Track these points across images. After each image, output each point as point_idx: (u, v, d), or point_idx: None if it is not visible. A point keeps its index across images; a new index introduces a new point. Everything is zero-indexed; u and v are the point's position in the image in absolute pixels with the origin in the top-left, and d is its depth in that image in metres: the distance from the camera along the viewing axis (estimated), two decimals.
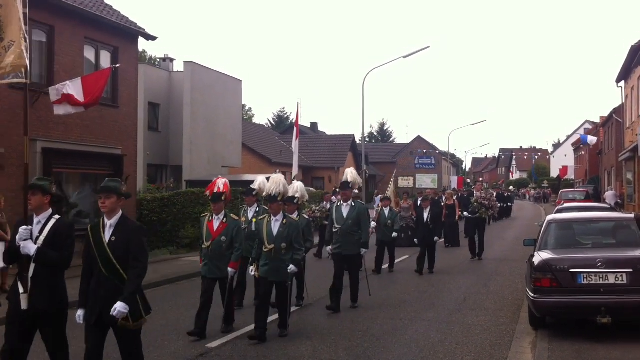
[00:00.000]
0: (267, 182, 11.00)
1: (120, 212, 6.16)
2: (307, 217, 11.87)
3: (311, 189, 39.63)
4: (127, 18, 19.65)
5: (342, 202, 11.64)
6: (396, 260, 17.29)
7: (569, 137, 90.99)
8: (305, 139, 49.75)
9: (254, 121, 77.68)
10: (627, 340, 8.52)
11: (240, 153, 35.31)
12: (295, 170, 24.03)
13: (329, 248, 11.72)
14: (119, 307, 5.71)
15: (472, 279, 15.15)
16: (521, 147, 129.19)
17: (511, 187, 73.94)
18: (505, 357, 8.24)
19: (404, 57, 30.73)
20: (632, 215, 11.14)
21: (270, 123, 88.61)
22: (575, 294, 8.66)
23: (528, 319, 9.73)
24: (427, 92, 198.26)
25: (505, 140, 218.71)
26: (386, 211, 16.83)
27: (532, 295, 8.97)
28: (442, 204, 21.79)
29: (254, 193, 11.77)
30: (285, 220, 9.32)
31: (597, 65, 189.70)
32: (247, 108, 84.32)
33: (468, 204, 19.94)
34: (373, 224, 16.33)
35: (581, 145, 51.61)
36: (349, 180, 11.64)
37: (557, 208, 21.06)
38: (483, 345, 8.80)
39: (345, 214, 11.42)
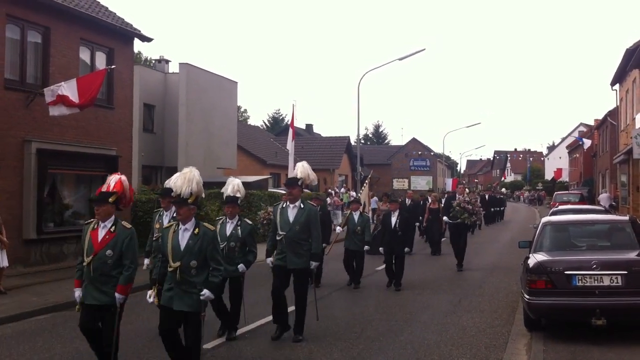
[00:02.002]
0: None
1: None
2: (250, 222, 9.69)
3: (306, 190, 39.61)
4: (123, 19, 19.63)
5: (287, 204, 9.37)
6: (378, 268, 16.14)
7: (563, 139, 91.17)
8: (300, 141, 49.73)
9: (249, 123, 77.66)
10: (621, 342, 8.54)
11: (236, 154, 35.28)
12: (290, 172, 24.08)
13: (269, 260, 9.57)
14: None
15: (459, 289, 14.36)
16: (516, 149, 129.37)
17: (503, 190, 73.57)
18: (500, 359, 8.26)
19: (400, 59, 30.81)
20: (626, 218, 11.19)
21: (266, 125, 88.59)
22: (570, 296, 8.68)
23: (523, 321, 9.75)
24: (423, 94, 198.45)
25: (500, 143, 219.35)
26: (355, 216, 14.60)
27: (527, 297, 8.99)
28: (427, 206, 21.44)
29: (172, 193, 9.16)
30: (197, 230, 7.03)
31: (592, 68, 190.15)
32: (242, 109, 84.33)
33: (449, 208, 17.38)
34: (338, 228, 15.57)
35: (580, 143, 51.69)
36: (299, 175, 9.62)
37: (551, 210, 21.12)
38: (478, 347, 8.81)
39: (291, 218, 9.21)
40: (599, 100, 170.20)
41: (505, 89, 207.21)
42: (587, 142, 46.25)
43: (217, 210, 19.92)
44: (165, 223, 9.19)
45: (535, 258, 9.27)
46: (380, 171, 70.74)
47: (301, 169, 9.71)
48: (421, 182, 71.68)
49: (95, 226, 7.26)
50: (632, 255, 9.13)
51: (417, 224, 21.72)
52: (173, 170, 29.87)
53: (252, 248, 9.49)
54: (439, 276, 15.83)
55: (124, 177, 7.83)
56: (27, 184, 15.92)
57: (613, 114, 40.63)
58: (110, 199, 7.32)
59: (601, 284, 8.59)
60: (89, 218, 18.79)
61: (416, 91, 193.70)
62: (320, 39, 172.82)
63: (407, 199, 23.09)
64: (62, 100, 15.00)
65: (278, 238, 9.26)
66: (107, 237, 7.16)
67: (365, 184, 20.11)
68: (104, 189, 7.61)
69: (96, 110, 17.97)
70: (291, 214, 9.23)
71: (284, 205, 9.38)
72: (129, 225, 7.37)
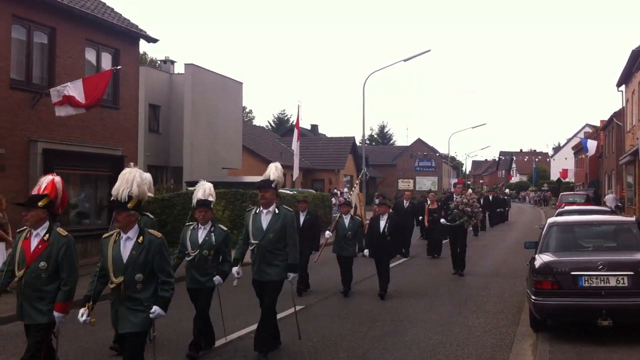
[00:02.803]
0: (148, 177, 8.42)
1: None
2: (224, 228, 8.86)
3: (311, 190, 39.65)
4: (129, 20, 19.69)
5: (260, 209, 8.46)
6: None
7: (569, 140, 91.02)
8: (305, 141, 49.76)
9: (254, 123, 77.72)
10: (627, 343, 8.53)
11: (241, 155, 35.33)
12: (295, 172, 24.10)
13: (235, 270, 8.54)
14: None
15: (464, 290, 14.57)
16: (521, 150, 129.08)
17: (507, 190, 72.63)
18: (506, 359, 8.25)
19: (405, 60, 30.77)
20: (633, 219, 11.18)
21: (271, 125, 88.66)
22: (576, 297, 8.67)
23: (529, 321, 9.73)
24: (428, 94, 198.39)
25: (505, 143, 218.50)
26: (346, 220, 13.55)
27: (533, 297, 8.98)
28: (426, 207, 20.55)
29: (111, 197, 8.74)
30: (142, 238, 6.10)
31: (598, 69, 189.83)
32: (247, 110, 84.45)
33: (447, 210, 16.53)
34: (327, 233, 14.64)
35: (586, 152, 51.51)
36: (272, 177, 8.54)
37: (557, 211, 21.08)
38: (484, 347, 8.80)
39: (265, 225, 8.33)
40: (605, 101, 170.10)
41: (511, 90, 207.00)
42: (592, 148, 45.83)
43: (223, 210, 19.95)
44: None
45: (541, 259, 9.25)
46: (385, 172, 70.79)
47: (274, 170, 8.63)
48: (426, 183, 71.62)
49: (28, 235, 6.36)
50: (638, 256, 9.11)
51: (418, 226, 21.28)
52: (178, 170, 30.04)
53: (228, 257, 8.62)
54: (443, 277, 15.79)
55: (57, 178, 6.58)
56: (32, 183, 15.92)
57: (619, 115, 40.56)
58: (40, 203, 6.29)
59: (607, 284, 8.57)
60: (95, 219, 19.06)
61: (421, 92, 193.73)
62: (326, 39, 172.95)
63: (404, 200, 21.58)
64: (68, 100, 15.07)
65: (250, 248, 8.43)
66: (39, 246, 6.23)
67: (355, 185, 18.49)
68: (34, 191, 6.54)
69: (102, 111, 18.03)
70: (265, 220, 8.34)
71: (256, 211, 8.46)
72: (65, 233, 6.39)
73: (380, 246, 12.89)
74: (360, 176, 21.35)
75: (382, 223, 13.02)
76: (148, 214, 9.12)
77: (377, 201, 14.90)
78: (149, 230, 6.32)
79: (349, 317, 10.94)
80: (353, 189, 18.33)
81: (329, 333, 9.69)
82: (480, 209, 17.26)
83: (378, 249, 12.92)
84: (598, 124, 59.51)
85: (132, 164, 6.57)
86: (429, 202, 20.75)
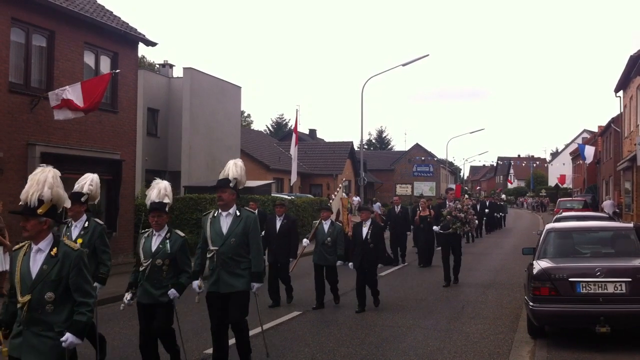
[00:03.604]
0: (97, 181, 8.00)
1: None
2: (182, 234, 7.68)
3: (309, 195, 39.65)
4: (128, 24, 19.69)
5: (219, 212, 7.66)
6: (382, 273, 16.29)
7: (567, 145, 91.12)
8: (303, 146, 49.73)
9: (252, 127, 77.75)
10: (626, 350, 8.51)
11: (239, 159, 35.29)
12: (294, 177, 24.08)
13: (195, 284, 7.67)
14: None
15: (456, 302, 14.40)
16: (519, 155, 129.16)
17: (503, 196, 71.39)
18: None
19: (403, 65, 30.84)
20: (631, 225, 11.17)
21: (269, 129, 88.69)
22: (574, 303, 8.66)
23: (527, 328, 9.72)
24: (426, 100, 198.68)
25: (503, 149, 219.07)
26: (325, 225, 12.64)
27: (531, 303, 8.97)
28: (418, 213, 19.64)
29: (82, 199, 7.97)
30: (55, 250, 5.18)
31: (596, 75, 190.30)
32: (245, 114, 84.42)
33: (438, 217, 15.84)
34: (305, 241, 13.28)
35: (582, 160, 51.48)
36: (231, 175, 7.60)
37: (555, 217, 21.07)
38: (482, 354, 8.79)
39: (225, 229, 7.53)
40: (603, 106, 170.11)
41: (509, 95, 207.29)
42: (589, 156, 45.68)
43: None
44: (75, 236, 7.72)
45: (539, 265, 9.24)
46: (383, 177, 70.73)
47: (234, 167, 7.64)
48: (424, 188, 71.57)
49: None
50: (637, 262, 9.09)
51: (409, 232, 20.29)
52: (177, 174, 30.01)
53: (186, 267, 7.51)
54: (441, 284, 15.72)
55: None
56: None
57: (617, 120, 40.58)
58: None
59: (605, 291, 8.56)
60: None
61: (420, 97, 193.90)
62: (324, 44, 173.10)
63: (395, 206, 20.74)
64: (67, 104, 15.07)
65: (209, 255, 7.54)
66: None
67: (338, 189, 16.43)
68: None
69: (100, 115, 18.02)
70: (224, 223, 7.49)
71: (215, 214, 7.62)
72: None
73: (364, 255, 11.97)
74: (344, 180, 18.69)
75: (365, 230, 12.12)
76: (97, 219, 8.17)
77: (377, 206, 14.39)
78: (66, 241, 5.35)
79: (346, 323, 10.91)
80: (335, 193, 16.15)
81: (326, 339, 9.67)
82: (475, 217, 16.38)
83: (361, 258, 11.98)
84: (596, 129, 59.62)
85: (44, 165, 5.58)
86: (420, 208, 19.88)
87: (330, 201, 14.40)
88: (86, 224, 7.92)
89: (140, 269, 7.48)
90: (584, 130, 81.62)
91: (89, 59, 18.33)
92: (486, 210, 34.42)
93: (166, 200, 7.60)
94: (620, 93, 37.56)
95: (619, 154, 39.28)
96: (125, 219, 19.34)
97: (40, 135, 16.22)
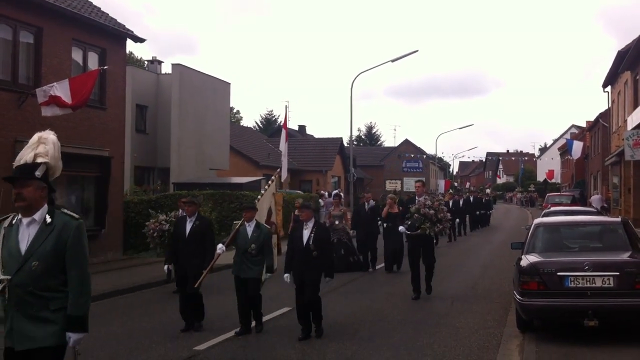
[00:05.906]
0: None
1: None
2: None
3: (299, 191, 39.61)
4: (116, 20, 19.61)
5: (19, 218, 4.56)
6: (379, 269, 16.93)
7: (555, 141, 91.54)
8: (293, 142, 49.64)
9: (242, 124, 77.60)
10: (613, 343, 8.57)
11: (228, 155, 35.24)
12: (284, 174, 24.03)
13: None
14: None
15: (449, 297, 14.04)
16: (508, 150, 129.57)
17: (488, 191, 67.10)
18: None
19: (392, 60, 30.91)
20: (619, 219, 11.23)
21: (258, 126, 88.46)
22: (562, 297, 8.70)
23: (516, 322, 9.76)
24: (416, 95, 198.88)
25: (492, 144, 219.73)
26: (249, 229, 9.83)
27: (520, 298, 9.01)
28: (386, 210, 16.74)
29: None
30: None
31: (584, 70, 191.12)
32: (235, 110, 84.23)
33: (405, 215, 13.33)
34: (220, 246, 9.88)
35: (568, 153, 51.47)
36: (39, 158, 4.65)
37: (544, 212, 21.17)
38: (471, 348, 8.82)
39: (23, 246, 4.46)
40: (591, 102, 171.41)
41: (498, 91, 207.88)
42: (577, 152, 45.59)
43: (210, 211, 19.89)
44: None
45: (527, 259, 9.29)
46: (373, 173, 70.79)
47: (41, 147, 4.77)
48: (413, 184, 71.64)
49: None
50: (624, 256, 9.16)
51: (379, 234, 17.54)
52: (166, 171, 29.93)
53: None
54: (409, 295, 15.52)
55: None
56: None
57: (605, 115, 40.83)
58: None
59: (593, 285, 8.62)
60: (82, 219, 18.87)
61: (409, 93, 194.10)
62: (314, 40, 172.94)
63: (365, 203, 17.84)
64: (55, 100, 14.95)
65: None
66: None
67: (270, 182, 11.98)
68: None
69: (88, 111, 17.92)
70: (23, 237, 4.46)
71: (12, 222, 4.57)
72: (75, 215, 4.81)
73: (304, 264, 9.31)
74: (276, 173, 13.65)
75: (306, 233, 9.42)
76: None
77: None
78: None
79: (337, 318, 10.92)
80: (266, 187, 11.76)
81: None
82: (449, 214, 13.29)
83: (301, 268, 9.36)
84: (584, 124, 59.91)
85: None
86: (386, 205, 17.17)
87: (259, 197, 11.17)
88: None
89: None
90: (572, 126, 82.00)
91: (77, 55, 18.25)
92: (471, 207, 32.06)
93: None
94: (609, 88, 37.79)
95: (607, 149, 39.54)
96: (113, 217, 19.27)
97: (28, 132, 15.91)
